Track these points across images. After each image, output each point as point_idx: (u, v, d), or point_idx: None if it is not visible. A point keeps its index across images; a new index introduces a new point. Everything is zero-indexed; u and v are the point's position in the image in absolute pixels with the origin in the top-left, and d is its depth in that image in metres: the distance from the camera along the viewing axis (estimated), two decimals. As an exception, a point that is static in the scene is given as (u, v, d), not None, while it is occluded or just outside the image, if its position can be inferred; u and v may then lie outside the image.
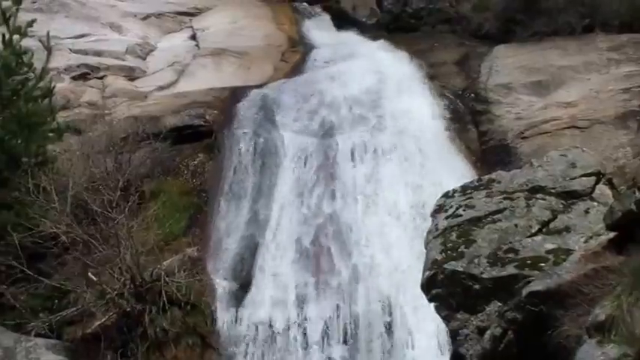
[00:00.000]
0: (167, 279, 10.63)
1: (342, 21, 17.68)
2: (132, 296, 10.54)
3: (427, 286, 7.96)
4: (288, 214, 12.30)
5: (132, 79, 15.15)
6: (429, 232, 8.41)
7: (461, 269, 7.67)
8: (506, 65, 14.76)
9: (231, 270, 11.92)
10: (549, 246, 7.54)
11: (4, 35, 11.13)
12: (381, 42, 16.12)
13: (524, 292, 7.04)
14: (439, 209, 8.58)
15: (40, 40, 11.62)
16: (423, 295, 8.12)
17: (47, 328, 10.39)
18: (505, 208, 8.12)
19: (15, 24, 11.19)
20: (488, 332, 7.37)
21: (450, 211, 8.36)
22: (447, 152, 13.29)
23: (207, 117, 13.75)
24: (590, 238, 7.32)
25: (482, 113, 14.09)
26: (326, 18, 17.86)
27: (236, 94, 14.33)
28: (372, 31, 17.12)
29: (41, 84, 11.43)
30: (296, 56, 16.19)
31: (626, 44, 14.44)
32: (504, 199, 8.26)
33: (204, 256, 11.83)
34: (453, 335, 7.78)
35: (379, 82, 14.23)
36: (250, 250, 12.04)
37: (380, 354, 10.99)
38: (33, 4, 15.43)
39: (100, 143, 12.15)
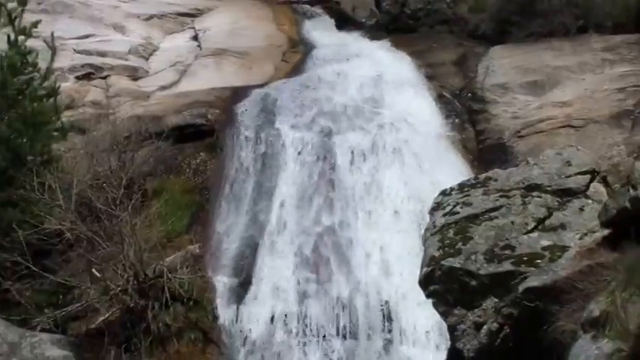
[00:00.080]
0: (170, 275, 10.63)
1: (342, 22, 17.66)
2: (135, 292, 10.54)
3: (425, 283, 7.96)
4: (288, 212, 12.31)
5: (135, 79, 15.14)
6: (427, 229, 8.42)
7: (458, 266, 7.67)
8: (502, 65, 14.77)
9: (232, 267, 11.93)
10: (545, 243, 7.55)
11: (9, 36, 11.13)
12: (380, 42, 16.13)
13: (521, 288, 7.05)
14: (437, 207, 8.58)
15: (45, 41, 11.60)
16: (421, 291, 8.14)
17: (52, 323, 10.39)
18: (502, 206, 8.13)
19: (20, 25, 11.19)
20: (485, 327, 7.38)
21: (448, 209, 8.37)
22: (445, 151, 13.30)
23: (209, 116, 13.75)
24: (585, 235, 7.33)
25: (479, 112, 14.11)
26: (326, 19, 17.84)
27: (237, 93, 14.33)
28: (371, 31, 17.10)
29: (46, 84, 11.42)
30: (296, 56, 16.18)
31: (620, 45, 14.45)
32: (501, 196, 8.27)
33: (206, 253, 11.84)
34: (451, 330, 7.79)
35: (378, 82, 14.22)
36: (251, 248, 12.05)
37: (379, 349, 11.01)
38: (38, 6, 15.41)
39: (103, 142, 12.15)
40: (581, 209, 7.90)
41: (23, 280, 10.58)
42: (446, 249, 7.88)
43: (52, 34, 11.68)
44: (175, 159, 13.12)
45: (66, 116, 11.90)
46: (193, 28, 17.23)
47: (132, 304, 10.51)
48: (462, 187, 8.73)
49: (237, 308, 11.39)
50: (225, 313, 11.33)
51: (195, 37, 16.75)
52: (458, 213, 8.23)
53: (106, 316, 10.55)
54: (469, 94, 14.47)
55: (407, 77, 14.61)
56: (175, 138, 13.09)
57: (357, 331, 11.10)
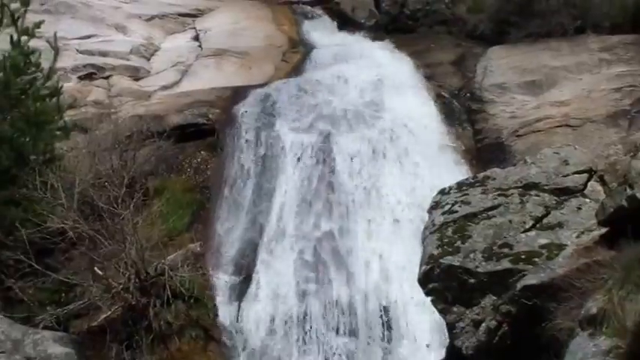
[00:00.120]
0: (171, 273, 10.62)
1: (342, 22, 17.64)
2: (137, 290, 10.53)
3: (424, 281, 7.98)
4: (289, 210, 12.33)
5: (136, 78, 15.13)
6: (426, 227, 8.43)
7: (457, 264, 7.69)
8: (500, 65, 14.77)
9: (233, 265, 11.93)
10: (543, 241, 7.56)
11: (12, 36, 11.12)
12: (380, 43, 16.11)
13: (519, 285, 7.07)
14: (435, 205, 8.60)
15: (48, 41, 11.59)
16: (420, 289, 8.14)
17: (54, 321, 10.39)
18: (500, 205, 8.14)
19: (23, 25, 11.18)
20: (484, 325, 7.39)
21: (446, 208, 8.38)
22: (443, 150, 13.30)
23: (210, 116, 13.75)
24: (583, 233, 7.34)
25: (477, 112, 14.11)
26: (326, 19, 17.81)
27: (238, 93, 14.32)
28: (371, 32, 17.08)
29: (49, 83, 11.42)
30: (296, 56, 16.16)
31: (617, 45, 14.45)
32: (499, 195, 8.28)
33: (207, 252, 11.84)
34: (450, 328, 7.80)
35: (378, 82, 14.20)
36: (251, 246, 12.05)
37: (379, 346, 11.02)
38: (41, 6, 15.40)
39: (105, 141, 12.14)
40: (579, 208, 7.91)
41: (26, 278, 10.58)
42: (445, 247, 7.89)
43: (55, 34, 11.66)
44: (176, 158, 13.12)
45: (68, 116, 11.89)
46: (194, 28, 17.22)
47: (133, 302, 10.50)
48: (460, 186, 8.75)
49: (239, 304, 11.41)
50: (225, 310, 11.34)
51: (196, 38, 16.73)
52: (456, 212, 8.24)
53: (108, 313, 10.55)
54: (467, 94, 14.47)
55: (406, 77, 14.60)
56: (176, 137, 13.09)
57: (356, 329, 11.12)
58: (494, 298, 7.38)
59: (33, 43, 11.33)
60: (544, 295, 6.75)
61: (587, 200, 7.97)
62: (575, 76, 14.11)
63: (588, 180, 8.26)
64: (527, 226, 7.80)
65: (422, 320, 10.84)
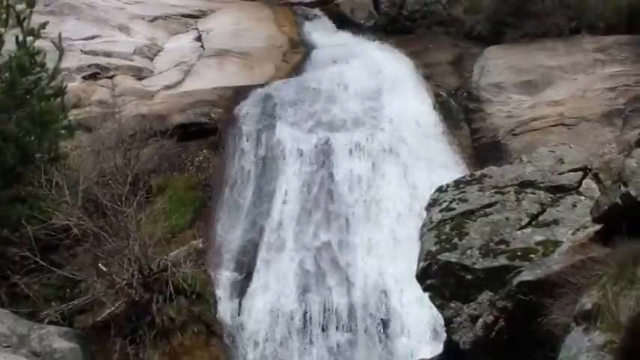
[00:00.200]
0: (173, 269, 10.62)
1: (341, 23, 17.62)
2: (140, 286, 10.53)
3: (422, 277, 7.96)
4: (289, 208, 12.34)
5: (140, 78, 15.12)
6: (424, 224, 8.42)
7: (454, 260, 7.68)
8: (497, 65, 14.77)
9: (234, 261, 11.94)
10: (538, 238, 7.55)
11: (18, 37, 11.13)
12: (378, 43, 16.10)
13: (515, 281, 7.06)
14: (433, 203, 8.59)
15: (53, 42, 11.59)
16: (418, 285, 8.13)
17: (59, 316, 10.40)
18: (496, 202, 8.13)
19: (28, 26, 11.18)
20: (481, 320, 7.38)
21: (444, 205, 8.37)
22: (441, 149, 13.31)
23: (212, 115, 13.75)
24: (578, 230, 7.33)
25: (474, 111, 14.11)
26: (325, 20, 17.79)
27: (239, 92, 14.33)
28: (369, 32, 17.07)
29: (53, 83, 11.42)
30: (297, 57, 16.14)
31: (612, 45, 14.46)
32: (496, 193, 8.27)
33: (208, 248, 11.84)
34: (447, 323, 7.79)
35: (377, 82, 14.21)
36: (252, 243, 12.05)
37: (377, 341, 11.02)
38: (45, 7, 15.37)
39: (109, 140, 12.14)
40: (574, 205, 7.90)
41: (32, 274, 10.59)
42: (442, 244, 7.88)
43: (60, 35, 11.67)
44: (179, 156, 13.12)
45: (73, 115, 11.89)
46: (197, 29, 17.21)
47: (137, 298, 10.51)
48: (457, 183, 8.74)
49: (240, 300, 11.42)
50: (227, 305, 11.35)
51: (199, 38, 16.72)
52: (454, 209, 8.23)
53: (112, 309, 10.55)
54: (465, 94, 14.47)
55: (404, 76, 14.59)
56: (179, 136, 13.11)
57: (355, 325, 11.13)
58: (491, 293, 7.38)
59: (38, 44, 11.33)
60: (540, 291, 6.74)
61: (582, 198, 7.96)
62: (570, 76, 14.11)
63: (583, 178, 8.25)
64: (523, 224, 7.79)
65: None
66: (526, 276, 7.00)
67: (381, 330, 11.09)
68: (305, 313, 11.22)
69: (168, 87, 14.91)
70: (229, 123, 13.60)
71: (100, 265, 10.68)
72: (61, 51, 11.57)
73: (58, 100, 11.47)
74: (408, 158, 12.86)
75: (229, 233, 12.19)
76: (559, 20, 15.16)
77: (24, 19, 11.15)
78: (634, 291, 5.47)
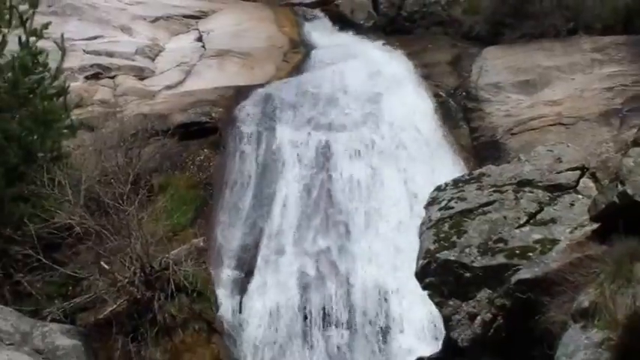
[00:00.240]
0: (175, 268, 10.61)
1: (341, 23, 17.61)
2: (142, 284, 10.53)
3: (421, 275, 7.97)
4: (289, 208, 12.35)
5: (141, 78, 15.12)
6: (423, 223, 8.42)
7: (453, 258, 7.68)
8: (495, 65, 14.77)
9: (235, 259, 11.94)
10: (536, 236, 7.56)
11: (20, 37, 11.13)
12: (378, 43, 16.09)
13: (513, 279, 7.07)
14: (432, 202, 8.59)
15: (55, 42, 11.59)
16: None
17: (62, 314, 10.39)
18: (495, 201, 8.14)
19: (31, 26, 11.18)
20: (479, 318, 7.39)
21: (443, 204, 8.38)
22: (440, 148, 13.32)
23: (213, 114, 13.75)
24: (575, 228, 7.34)
25: (473, 111, 14.11)
26: (325, 21, 17.78)
27: (240, 92, 14.32)
28: (369, 33, 17.07)
29: (56, 83, 11.42)
30: (297, 57, 16.14)
31: (609, 46, 14.45)
32: (494, 191, 8.27)
33: (209, 246, 11.85)
34: (446, 321, 7.80)
35: (376, 81, 14.20)
36: (253, 241, 12.06)
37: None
38: (48, 8, 15.35)
39: (111, 139, 12.14)
40: (572, 204, 7.90)
41: (34, 272, 10.58)
42: (441, 242, 7.89)
43: (62, 35, 11.68)
44: (180, 155, 13.12)
45: (75, 114, 11.89)
46: (198, 29, 17.20)
47: (139, 296, 10.50)
48: (456, 182, 8.75)
49: (241, 298, 11.43)
50: (228, 303, 11.36)
51: (200, 39, 16.72)
52: (453, 208, 8.24)
53: (114, 306, 10.54)
54: (464, 93, 14.47)
55: (403, 76, 14.59)
56: (180, 135, 13.11)
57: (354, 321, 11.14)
58: (490, 291, 7.38)
59: (41, 44, 11.33)
60: (538, 289, 6.75)
61: (580, 196, 7.97)
62: (568, 76, 14.11)
63: (581, 177, 8.26)
64: (521, 222, 7.80)
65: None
66: (524, 274, 7.01)
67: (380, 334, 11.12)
68: (305, 308, 11.24)
69: (169, 87, 14.91)
70: (230, 122, 13.60)
71: (102, 263, 10.67)
72: (64, 51, 11.57)
73: (61, 99, 11.47)
74: (410, 155, 12.89)
75: (230, 229, 12.20)
76: (557, 21, 15.16)
77: (27, 19, 11.15)
78: (631, 289, 5.48)
